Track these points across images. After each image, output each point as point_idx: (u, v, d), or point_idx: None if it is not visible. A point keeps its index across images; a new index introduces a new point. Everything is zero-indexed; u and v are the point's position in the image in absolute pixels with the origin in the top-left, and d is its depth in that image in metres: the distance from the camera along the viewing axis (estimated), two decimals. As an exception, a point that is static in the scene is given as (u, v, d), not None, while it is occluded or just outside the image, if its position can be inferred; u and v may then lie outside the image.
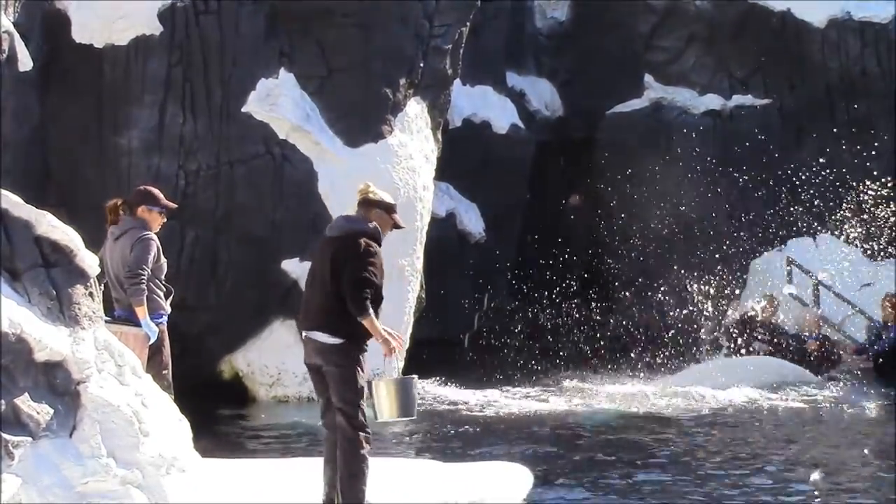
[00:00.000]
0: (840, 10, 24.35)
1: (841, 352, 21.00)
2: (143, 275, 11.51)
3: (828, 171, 24.65)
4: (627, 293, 25.37)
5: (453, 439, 14.83)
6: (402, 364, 10.12)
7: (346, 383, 9.42)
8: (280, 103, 17.14)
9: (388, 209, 9.64)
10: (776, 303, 21.20)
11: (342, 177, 17.29)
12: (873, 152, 24.50)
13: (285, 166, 17.20)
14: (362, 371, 9.40)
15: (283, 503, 10.05)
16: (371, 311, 9.25)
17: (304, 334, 9.59)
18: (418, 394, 9.46)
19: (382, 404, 9.33)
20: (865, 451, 13.97)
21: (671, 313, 24.48)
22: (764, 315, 20.91)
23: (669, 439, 15.06)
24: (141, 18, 16.53)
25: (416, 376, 9.55)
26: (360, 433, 9.32)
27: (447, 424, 15.83)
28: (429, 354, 18.78)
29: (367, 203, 9.62)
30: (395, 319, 16.98)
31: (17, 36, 15.13)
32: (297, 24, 17.36)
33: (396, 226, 9.68)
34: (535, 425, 15.77)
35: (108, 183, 15.68)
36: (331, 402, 9.46)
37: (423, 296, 18.26)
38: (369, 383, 9.37)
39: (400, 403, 9.35)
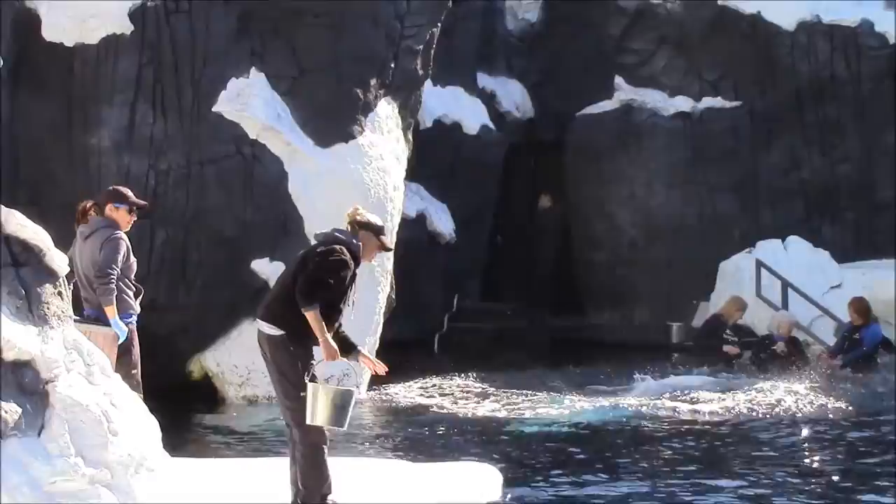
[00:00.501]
0: (809, 14, 24.46)
1: (809, 355, 21.03)
2: (113, 274, 11.49)
3: (797, 173, 24.76)
4: (598, 295, 25.44)
5: (423, 440, 14.85)
6: (367, 377, 10.17)
7: (282, 377, 9.53)
8: (251, 103, 17.11)
9: (377, 231, 9.78)
10: (743, 304, 21.22)
11: (313, 177, 17.32)
12: (842, 155, 24.62)
13: (256, 166, 17.18)
14: (301, 368, 9.44)
15: (250, 503, 10.04)
16: (317, 307, 9.30)
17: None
18: (353, 406, 9.45)
19: (317, 410, 9.32)
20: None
21: (641, 317, 24.63)
22: (731, 316, 20.93)
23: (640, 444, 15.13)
24: (111, 18, 16.48)
25: (355, 389, 9.57)
26: (310, 433, 9.38)
27: (417, 426, 15.85)
28: (399, 354, 18.75)
29: (354, 224, 9.69)
30: (365, 321, 17.02)
31: (-14, 34, 15.15)
32: (268, 25, 17.35)
33: (384, 247, 9.83)
34: (504, 427, 15.78)
35: (78, 182, 15.64)
36: None
37: (394, 297, 18.26)
38: (308, 384, 9.37)
39: (335, 414, 9.34)
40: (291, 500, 9.68)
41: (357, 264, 9.63)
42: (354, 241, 9.63)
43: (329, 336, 9.39)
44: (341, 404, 9.37)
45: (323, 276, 9.43)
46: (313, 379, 9.41)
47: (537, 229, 25.69)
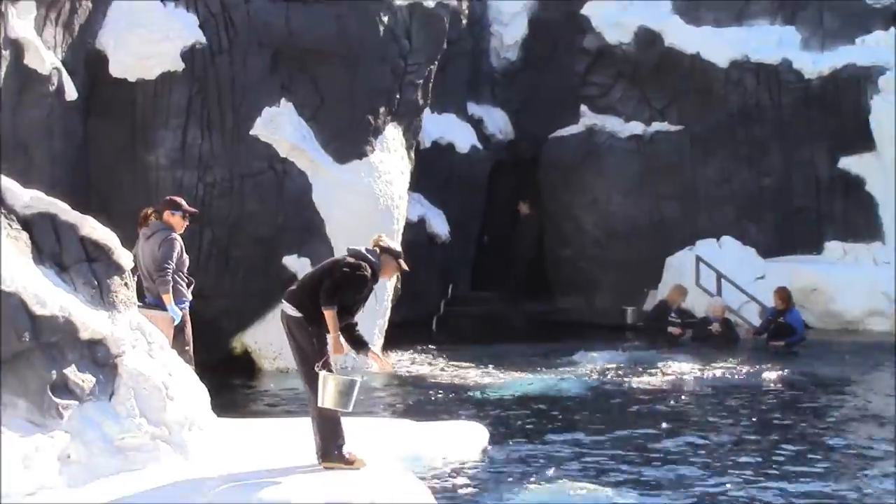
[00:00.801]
0: (739, 54, 24.42)
1: (740, 334, 21.13)
2: (169, 269, 11.58)
3: (729, 184, 24.78)
4: (566, 284, 25.46)
5: (423, 403, 14.89)
6: (373, 364, 10.23)
7: (301, 350, 9.64)
8: (281, 127, 17.13)
9: (396, 256, 10.01)
10: (685, 291, 21.26)
11: (333, 188, 17.37)
12: (766, 169, 24.64)
13: (286, 179, 17.21)
14: (316, 344, 9.52)
15: (283, 453, 10.09)
16: (335, 308, 9.43)
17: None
18: (357, 392, 9.55)
19: (326, 395, 9.44)
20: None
21: (601, 302, 24.65)
22: (675, 301, 20.97)
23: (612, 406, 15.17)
24: (167, 57, 16.48)
25: (359, 379, 9.67)
26: (330, 405, 9.46)
27: (418, 391, 15.88)
28: (403, 333, 18.85)
29: (379, 248, 9.90)
30: (377, 306, 17.06)
31: (64, 72, 15.16)
32: (295, 63, 17.37)
33: (400, 269, 9.99)
34: (490, 393, 15.81)
35: (139, 193, 15.66)
36: None
37: (399, 286, 18.31)
38: (320, 374, 9.47)
39: (341, 399, 9.45)
40: (315, 450, 9.76)
41: (376, 280, 9.78)
42: (377, 261, 9.76)
43: (338, 334, 9.50)
44: (346, 391, 9.46)
45: (346, 285, 9.57)
46: (322, 369, 9.50)
47: (517, 231, 25.68)
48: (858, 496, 10.32)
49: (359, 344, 9.97)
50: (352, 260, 9.71)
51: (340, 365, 9.96)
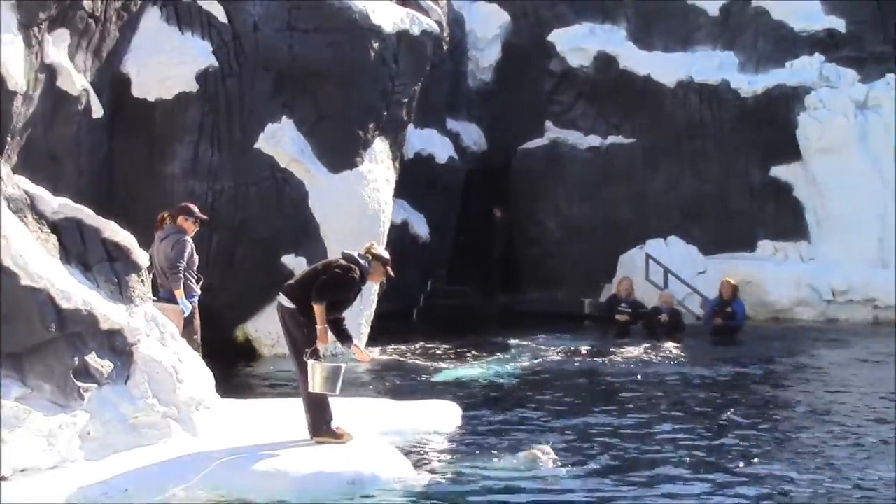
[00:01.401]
0: (685, 75, 24.52)
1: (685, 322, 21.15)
2: (181, 267, 11.61)
3: (675, 191, 24.84)
4: (532, 279, 25.49)
5: (403, 384, 14.89)
6: (354, 353, 10.26)
7: (293, 338, 9.69)
8: (282, 141, 17.10)
9: (384, 262, 10.06)
10: (630, 283, 21.24)
11: (327, 195, 17.33)
12: (707, 177, 24.70)
13: (286, 187, 17.18)
14: (307, 333, 9.56)
15: (279, 430, 10.11)
16: (324, 304, 9.48)
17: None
18: (342, 377, 9.60)
19: (315, 381, 9.50)
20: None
21: (562, 295, 24.69)
22: (623, 293, 20.96)
23: (572, 385, 15.19)
24: (183, 80, 16.44)
25: (344, 365, 9.74)
26: (318, 390, 9.50)
27: (399, 374, 15.88)
28: (387, 323, 18.84)
29: (370, 254, 9.97)
30: (364, 299, 17.03)
31: (92, 93, 15.12)
32: (296, 84, 17.33)
33: (388, 275, 10.04)
34: (465, 375, 15.81)
35: (156, 200, 15.58)
36: None
37: (384, 281, 18.26)
38: (308, 362, 9.53)
39: (328, 384, 9.51)
40: (307, 426, 9.80)
41: (364, 283, 9.82)
42: (367, 265, 9.80)
43: (325, 326, 9.54)
44: (332, 377, 9.51)
45: (336, 284, 9.63)
46: (310, 357, 9.53)
47: (489, 232, 25.69)
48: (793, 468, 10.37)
49: (344, 337, 10.02)
50: (344, 263, 9.76)
51: (330, 352, 9.97)
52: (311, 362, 9.48)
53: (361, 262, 9.80)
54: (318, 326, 9.52)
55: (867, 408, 13.55)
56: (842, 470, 10.16)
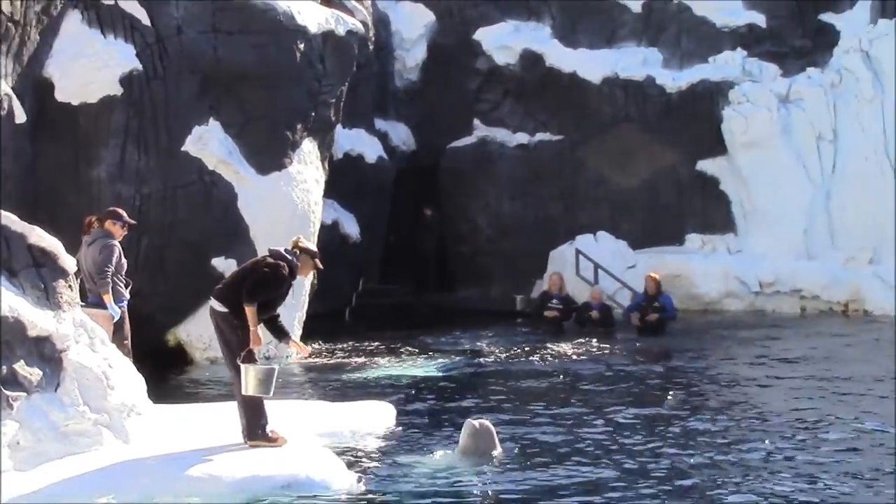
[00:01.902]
0: (610, 72, 24.63)
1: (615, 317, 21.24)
2: (108, 272, 11.46)
3: (604, 186, 24.98)
4: (464, 276, 25.51)
5: (338, 386, 14.82)
6: (293, 351, 10.20)
7: (226, 342, 9.61)
8: (209, 144, 16.96)
9: (312, 255, 9.99)
10: (562, 279, 21.32)
11: (256, 197, 17.23)
12: (635, 172, 24.85)
13: (214, 190, 17.03)
14: (241, 336, 9.50)
15: (213, 435, 10.01)
16: (255, 305, 9.42)
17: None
18: (276, 378, 9.55)
19: (249, 383, 9.42)
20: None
21: (495, 292, 24.73)
22: (555, 289, 21.03)
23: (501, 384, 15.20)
24: (107, 83, 16.25)
25: (277, 367, 9.69)
26: (252, 393, 9.44)
27: (334, 375, 15.81)
28: (320, 324, 18.75)
29: (297, 248, 9.86)
30: (296, 299, 16.95)
31: (14, 97, 14.87)
32: (222, 87, 17.20)
33: (317, 267, 9.97)
34: (398, 374, 15.78)
35: (82, 204, 15.38)
36: None
37: (315, 282, 18.22)
38: (241, 365, 9.46)
39: (262, 386, 9.46)
40: (241, 430, 9.71)
41: (294, 278, 9.75)
42: (295, 260, 9.72)
43: (257, 328, 9.48)
44: (265, 379, 9.45)
45: (266, 283, 9.55)
46: (244, 360, 9.46)
47: (420, 230, 25.68)
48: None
49: (281, 334, 9.96)
50: (272, 260, 9.67)
51: (263, 354, 9.89)
52: (244, 365, 9.40)
53: (289, 257, 9.72)
54: (251, 328, 9.44)
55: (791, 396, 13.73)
56: (747, 454, 10.28)
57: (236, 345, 9.53)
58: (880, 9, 23.89)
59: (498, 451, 10.34)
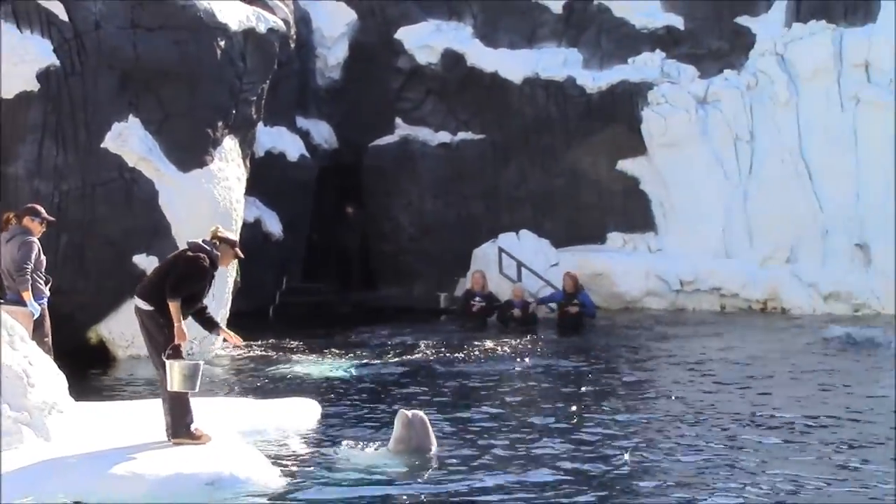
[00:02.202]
0: (531, 72, 24.68)
1: (538, 314, 21.29)
2: (27, 268, 11.25)
3: (526, 185, 25.04)
4: (387, 275, 25.44)
5: (263, 383, 14.69)
6: (219, 341, 10.10)
7: (152, 339, 9.49)
8: (129, 140, 16.75)
9: (232, 244, 9.90)
10: (485, 277, 21.34)
11: (177, 194, 17.04)
12: (557, 172, 24.96)
13: (134, 187, 16.81)
14: (167, 334, 9.37)
15: (136, 433, 9.86)
16: (179, 300, 9.30)
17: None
18: (202, 374, 9.44)
19: (174, 379, 9.30)
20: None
21: (418, 290, 24.69)
22: (477, 287, 21.04)
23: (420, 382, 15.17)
24: (24, 78, 15.99)
25: (202, 362, 9.59)
26: (177, 388, 9.32)
27: (258, 372, 15.68)
28: (243, 322, 18.47)
29: (216, 238, 9.74)
30: (219, 298, 16.77)
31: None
32: (141, 83, 16.99)
33: (237, 256, 9.89)
34: (322, 371, 15.69)
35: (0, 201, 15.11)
36: None
37: (239, 279, 18.05)
38: (166, 361, 9.34)
39: (187, 382, 9.35)
40: (165, 428, 9.57)
41: (216, 268, 9.63)
42: (215, 250, 9.60)
43: (182, 324, 9.36)
44: (191, 374, 9.33)
45: (188, 276, 9.42)
46: (169, 356, 9.33)
47: (343, 228, 25.55)
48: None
49: (211, 324, 9.91)
50: (191, 253, 9.55)
51: (186, 351, 9.72)
52: (168, 361, 9.26)
53: (208, 248, 9.60)
54: (175, 324, 9.30)
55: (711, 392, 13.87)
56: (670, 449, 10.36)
57: (163, 343, 9.40)
58: (795, 12, 24.22)
59: (434, 448, 10.27)
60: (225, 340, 10.07)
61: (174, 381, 9.28)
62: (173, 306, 9.29)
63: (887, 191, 22.70)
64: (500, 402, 13.20)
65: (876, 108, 22.99)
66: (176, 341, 9.35)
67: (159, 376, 9.52)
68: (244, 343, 12.46)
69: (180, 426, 9.45)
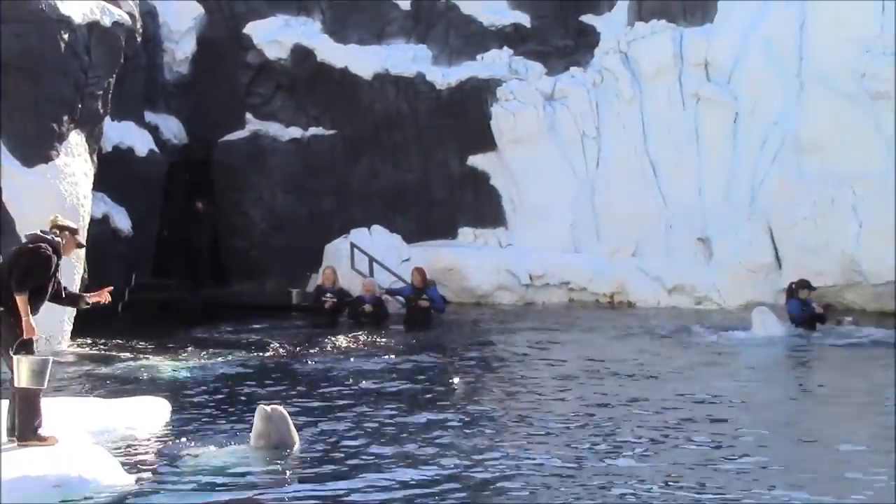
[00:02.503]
0: (381, 68, 24.71)
1: (388, 310, 21.22)
2: None
3: (377, 181, 25.04)
4: (239, 270, 25.19)
5: (111, 382, 14.37)
6: (67, 337, 9.89)
7: (4, 343, 9.25)
8: (-29, 135, 16.25)
9: (73, 232, 9.68)
10: (335, 272, 21.23)
11: (22, 190, 16.63)
12: (407, 168, 25.02)
13: (-23, 181, 16.31)
14: (18, 333, 9.14)
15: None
16: (26, 294, 9.08)
17: None
18: (50, 371, 9.25)
19: (22, 375, 9.08)
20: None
21: (270, 286, 24.48)
22: (328, 282, 20.93)
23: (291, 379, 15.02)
24: None
25: (51, 358, 9.40)
26: (26, 385, 9.10)
27: (107, 371, 15.33)
28: (91, 319, 18.05)
29: (56, 227, 9.51)
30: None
31: None
32: (-20, 76, 16.50)
33: (79, 245, 9.71)
34: (171, 370, 15.39)
35: None
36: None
37: (86, 276, 17.63)
38: (13, 357, 9.11)
39: (35, 377, 9.13)
40: (7, 428, 9.31)
41: (59, 257, 9.39)
42: (56, 239, 9.37)
43: (31, 318, 9.12)
44: (39, 370, 9.11)
45: (33, 268, 9.18)
46: (17, 351, 9.09)
47: (194, 224, 25.21)
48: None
49: (75, 299, 9.96)
50: (31, 245, 9.32)
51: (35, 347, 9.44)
52: (15, 357, 9.00)
53: (48, 237, 9.38)
54: (24, 318, 9.04)
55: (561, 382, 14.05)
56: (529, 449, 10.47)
57: (11, 340, 9.13)
58: (637, 11, 24.70)
59: (297, 445, 10.16)
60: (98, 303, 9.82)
61: (22, 377, 9.03)
62: (21, 300, 9.04)
63: (727, 186, 23.33)
64: (364, 399, 13.12)
65: (715, 105, 23.60)
66: (25, 336, 9.09)
67: (11, 374, 9.27)
68: (91, 341, 12.20)
69: (28, 429, 9.18)
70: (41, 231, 9.43)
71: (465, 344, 17.93)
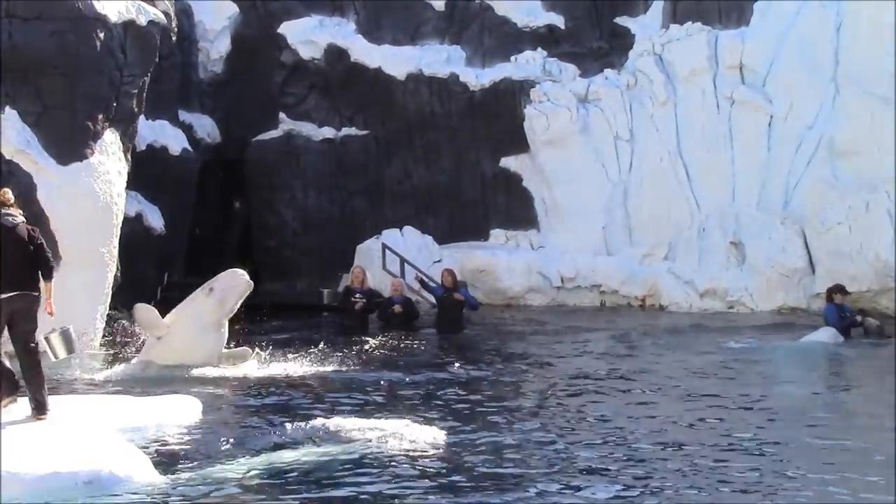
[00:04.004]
0: (415, 68, 24.76)
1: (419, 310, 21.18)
2: None
3: (409, 181, 25.06)
4: (271, 270, 25.25)
5: (144, 380, 14.39)
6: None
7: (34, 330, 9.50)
8: (6, 133, 16.34)
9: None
10: (365, 272, 21.14)
11: (56, 187, 16.68)
12: (440, 169, 25.02)
13: (11, 180, 16.33)
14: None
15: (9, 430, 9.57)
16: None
17: None
18: (76, 336, 9.54)
19: (55, 349, 9.29)
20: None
21: (301, 286, 24.54)
22: (357, 283, 20.86)
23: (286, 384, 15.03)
24: None
25: (71, 326, 9.60)
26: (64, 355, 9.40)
27: (139, 370, 15.36)
28: (124, 318, 18.19)
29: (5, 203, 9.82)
30: (97, 294, 16.43)
31: None
32: (18, 74, 16.57)
33: (29, 222, 10.01)
34: (207, 371, 15.41)
35: None
36: None
37: (119, 275, 17.69)
38: (45, 339, 9.40)
39: (66, 346, 9.38)
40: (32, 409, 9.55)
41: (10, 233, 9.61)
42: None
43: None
44: (69, 338, 9.65)
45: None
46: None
47: (226, 223, 25.33)
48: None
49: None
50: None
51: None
52: (44, 336, 9.37)
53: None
54: (50, 300, 9.53)
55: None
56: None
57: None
58: (672, 13, 24.60)
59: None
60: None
61: (57, 351, 9.44)
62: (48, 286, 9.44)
63: (760, 190, 23.19)
64: (370, 399, 13.09)
65: (750, 108, 23.47)
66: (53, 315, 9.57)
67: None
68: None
69: (45, 398, 9.46)
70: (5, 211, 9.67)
71: (491, 346, 17.79)
